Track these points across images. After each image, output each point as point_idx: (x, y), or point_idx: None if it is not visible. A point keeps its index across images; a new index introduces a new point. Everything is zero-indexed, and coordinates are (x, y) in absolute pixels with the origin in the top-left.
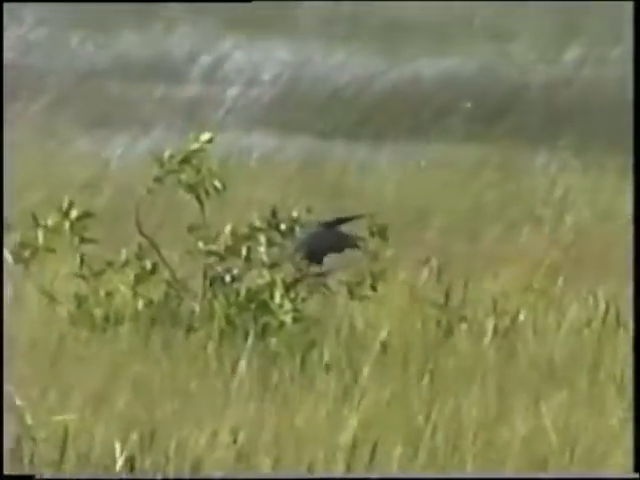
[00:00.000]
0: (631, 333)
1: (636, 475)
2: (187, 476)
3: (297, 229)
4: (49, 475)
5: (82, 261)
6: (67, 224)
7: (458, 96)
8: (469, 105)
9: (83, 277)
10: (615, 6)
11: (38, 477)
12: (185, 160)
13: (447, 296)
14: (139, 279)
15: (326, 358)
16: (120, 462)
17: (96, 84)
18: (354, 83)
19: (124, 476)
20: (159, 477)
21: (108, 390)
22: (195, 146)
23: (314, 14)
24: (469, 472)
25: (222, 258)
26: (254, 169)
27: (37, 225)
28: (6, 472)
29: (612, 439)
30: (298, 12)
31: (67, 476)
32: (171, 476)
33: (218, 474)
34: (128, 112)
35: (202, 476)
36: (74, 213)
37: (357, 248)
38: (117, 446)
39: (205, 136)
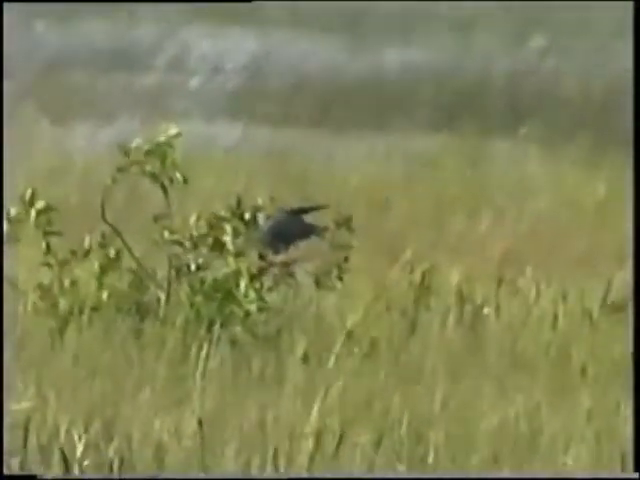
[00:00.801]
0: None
1: (636, 475)
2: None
3: (260, 216)
4: (50, 475)
5: (48, 249)
6: (32, 216)
7: (422, 86)
8: (429, 95)
9: (49, 265)
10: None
11: (40, 477)
12: (151, 151)
13: (412, 285)
14: (104, 268)
15: (300, 348)
16: (80, 448)
17: (60, 73)
18: (319, 73)
19: (123, 476)
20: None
21: (73, 378)
22: (162, 139)
23: (280, 3)
24: (469, 472)
25: (188, 247)
26: (218, 159)
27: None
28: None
29: (576, 431)
30: (264, 2)
31: (68, 476)
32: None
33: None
34: (92, 101)
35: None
36: (38, 205)
37: (322, 236)
38: (75, 435)
39: (173, 130)
